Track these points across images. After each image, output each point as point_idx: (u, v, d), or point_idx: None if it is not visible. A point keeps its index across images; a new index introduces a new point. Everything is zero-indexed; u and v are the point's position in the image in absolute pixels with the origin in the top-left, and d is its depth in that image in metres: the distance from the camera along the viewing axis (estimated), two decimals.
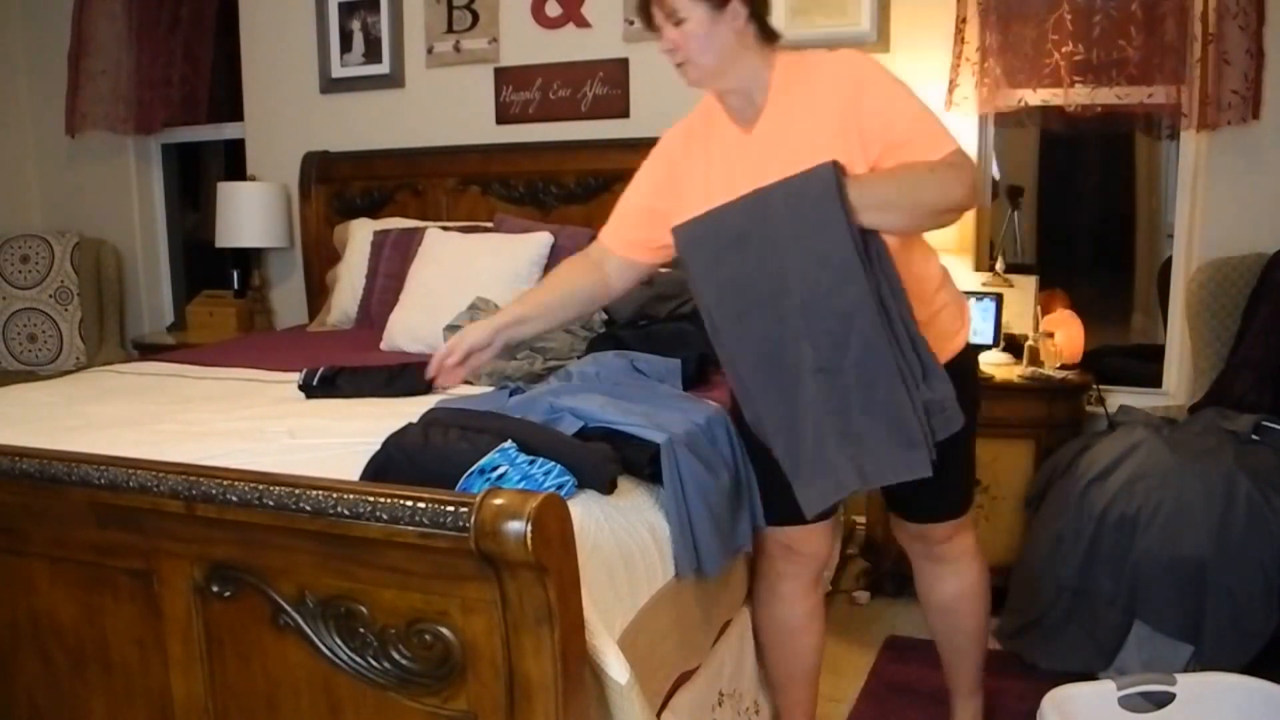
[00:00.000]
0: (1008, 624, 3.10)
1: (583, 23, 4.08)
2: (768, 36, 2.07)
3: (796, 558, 2.33)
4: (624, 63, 4.03)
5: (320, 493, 1.45)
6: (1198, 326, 3.35)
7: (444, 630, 1.48)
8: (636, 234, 2.23)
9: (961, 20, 3.49)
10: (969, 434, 2.19)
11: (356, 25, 4.42)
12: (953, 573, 2.42)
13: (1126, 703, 2.00)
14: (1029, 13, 3.44)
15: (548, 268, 3.45)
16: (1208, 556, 2.62)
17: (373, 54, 4.41)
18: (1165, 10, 3.29)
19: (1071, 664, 2.79)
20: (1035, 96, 3.48)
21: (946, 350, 2.10)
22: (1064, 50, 3.38)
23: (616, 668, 1.59)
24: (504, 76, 4.21)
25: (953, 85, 3.51)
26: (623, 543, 1.83)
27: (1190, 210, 3.52)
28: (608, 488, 1.88)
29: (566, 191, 4.05)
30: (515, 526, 1.33)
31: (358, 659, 1.55)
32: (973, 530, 2.44)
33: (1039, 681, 2.54)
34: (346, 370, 2.77)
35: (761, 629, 2.45)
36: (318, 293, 4.39)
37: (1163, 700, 1.99)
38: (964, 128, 3.60)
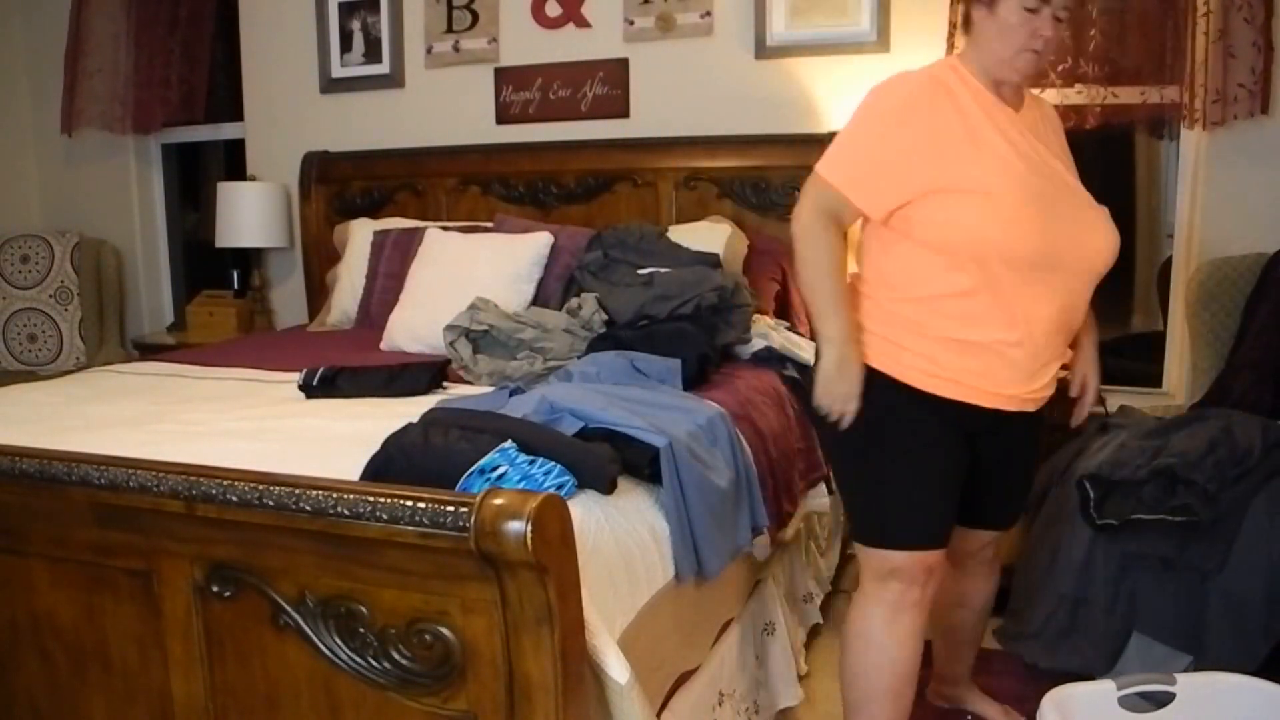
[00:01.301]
0: (1010, 627, 3.09)
1: (583, 23, 4.08)
2: None
3: (932, 581, 2.21)
4: (624, 63, 4.04)
5: (320, 493, 1.45)
6: (1197, 326, 3.35)
7: (444, 630, 1.48)
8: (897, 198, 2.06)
9: (953, 25, 3.49)
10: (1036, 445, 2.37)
11: (356, 25, 4.42)
12: (989, 574, 2.51)
13: (1126, 703, 1.99)
14: None
15: (548, 268, 3.45)
16: (1209, 564, 2.61)
17: (373, 54, 4.41)
18: (1166, 10, 3.28)
19: (1072, 665, 2.78)
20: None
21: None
22: (1061, 68, 3.40)
23: (616, 668, 1.59)
24: (504, 76, 4.21)
25: None
26: (623, 543, 1.83)
27: (1190, 210, 3.52)
28: (608, 488, 1.88)
29: (567, 191, 4.05)
30: (515, 526, 1.33)
31: (358, 659, 1.55)
32: None
33: (1039, 682, 2.54)
34: (347, 370, 2.76)
35: (875, 667, 2.19)
36: (318, 293, 4.38)
37: (1163, 700, 1.99)
38: None
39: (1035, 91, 2.31)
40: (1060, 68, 3.40)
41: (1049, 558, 2.95)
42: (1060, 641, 2.90)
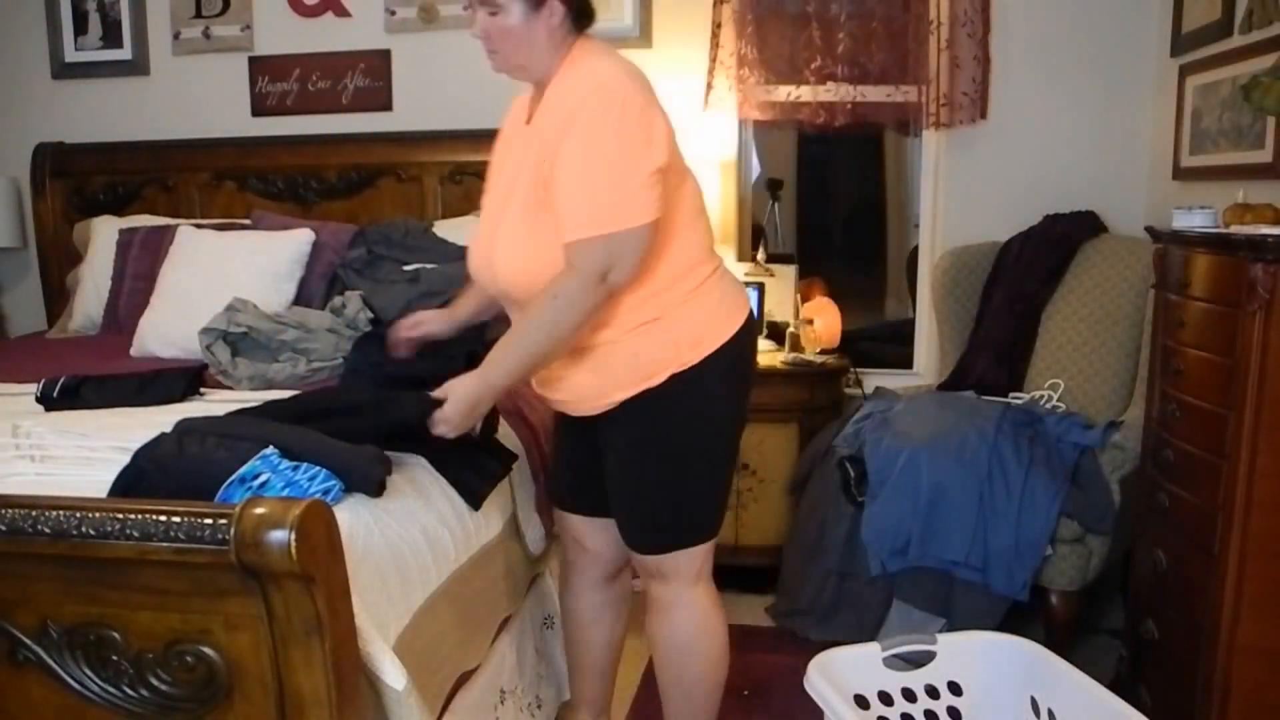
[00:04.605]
0: (782, 604, 3.22)
1: (342, 11, 3.97)
2: (580, 27, 1.99)
3: (583, 551, 2.32)
4: (386, 54, 3.95)
5: (61, 513, 1.35)
6: (942, 310, 3.58)
7: (207, 650, 1.41)
8: None
9: (716, 25, 3.61)
10: (671, 464, 2.05)
11: (92, 5, 4.14)
12: (660, 616, 2.21)
13: (890, 663, 2.10)
14: (782, 22, 3.60)
15: (310, 266, 3.34)
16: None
17: (112, 38, 4.14)
18: (906, 20, 3.52)
19: (840, 636, 2.92)
20: (792, 93, 3.63)
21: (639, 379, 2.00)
22: (814, 65, 3.56)
23: (393, 674, 1.56)
24: (259, 66, 4.05)
25: (709, 87, 3.61)
26: (394, 546, 1.79)
27: (933, 201, 3.77)
28: (377, 490, 1.83)
29: (328, 186, 3.93)
30: (278, 536, 1.28)
31: (111, 689, 1.45)
32: (692, 583, 2.15)
33: (811, 655, 2.64)
34: (92, 379, 2.58)
35: (562, 614, 2.47)
36: (57, 296, 4.09)
37: (923, 660, 2.11)
38: (723, 126, 3.72)
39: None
40: (813, 66, 3.55)
41: (815, 536, 3.09)
42: (830, 615, 3.05)
